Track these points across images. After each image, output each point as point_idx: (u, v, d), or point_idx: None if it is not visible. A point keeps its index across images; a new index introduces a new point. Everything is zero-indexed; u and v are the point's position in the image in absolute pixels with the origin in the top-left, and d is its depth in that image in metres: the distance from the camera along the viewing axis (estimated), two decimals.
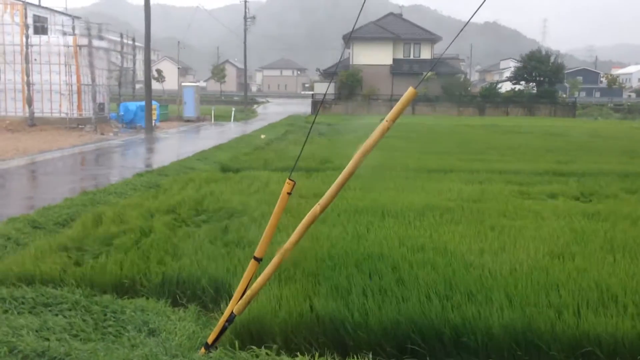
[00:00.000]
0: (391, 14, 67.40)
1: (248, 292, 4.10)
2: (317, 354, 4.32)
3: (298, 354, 4.32)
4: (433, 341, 4.48)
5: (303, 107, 61.54)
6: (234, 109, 44.84)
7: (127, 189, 11.55)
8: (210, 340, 4.33)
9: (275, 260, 4.01)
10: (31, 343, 4.26)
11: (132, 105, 31.81)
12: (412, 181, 11.91)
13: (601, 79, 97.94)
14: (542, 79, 59.25)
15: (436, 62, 54.18)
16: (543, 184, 11.81)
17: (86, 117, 29.81)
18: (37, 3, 32.96)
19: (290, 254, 4.05)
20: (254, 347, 4.40)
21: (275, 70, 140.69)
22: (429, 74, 54.65)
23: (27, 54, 28.86)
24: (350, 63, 60.05)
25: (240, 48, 60.41)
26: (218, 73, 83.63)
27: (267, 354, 4.26)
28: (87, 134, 27.01)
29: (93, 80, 29.74)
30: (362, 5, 3.72)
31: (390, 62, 60.48)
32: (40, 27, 31.42)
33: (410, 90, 3.50)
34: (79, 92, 29.90)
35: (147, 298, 5.49)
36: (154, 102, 31.06)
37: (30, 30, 29.51)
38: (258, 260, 4.07)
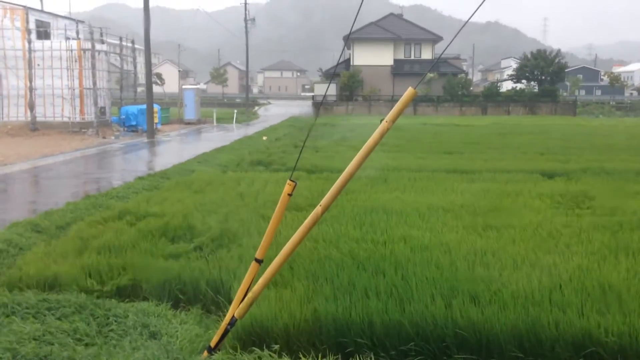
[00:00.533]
0: (391, 14, 67.39)
1: (249, 295, 4.10)
2: (319, 356, 4.32)
3: (300, 355, 4.32)
4: (436, 342, 4.47)
5: (304, 108, 61.56)
6: (235, 111, 44.85)
7: (129, 192, 11.57)
8: (212, 343, 4.32)
9: (276, 262, 4.01)
10: (34, 348, 4.26)
11: (134, 109, 31.83)
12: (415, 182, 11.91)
13: (602, 77, 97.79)
14: (543, 77, 59.19)
15: (436, 61, 54.16)
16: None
17: (88, 121, 29.86)
18: (39, 8, 33.02)
19: (291, 255, 4.05)
20: (256, 348, 4.40)
21: (276, 72, 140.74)
22: (429, 74, 54.69)
23: (29, 59, 28.91)
24: (351, 64, 60.05)
25: (241, 50, 60.47)
26: (218, 76, 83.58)
27: (270, 355, 4.26)
28: (89, 138, 27.04)
29: (95, 84, 29.79)
30: (360, 6, 3.71)
31: (391, 62, 60.47)
32: (43, 32, 31.48)
33: (409, 90, 3.50)
34: (81, 96, 29.95)
35: (149, 301, 5.49)
36: (155, 105, 31.07)
37: (33, 35, 29.56)
38: (259, 261, 4.07)
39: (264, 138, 24.83)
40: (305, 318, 4.67)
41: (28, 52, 28.79)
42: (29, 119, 29.26)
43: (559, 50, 61.56)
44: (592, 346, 4.31)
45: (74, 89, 29.67)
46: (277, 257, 4.01)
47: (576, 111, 55.92)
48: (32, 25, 29.72)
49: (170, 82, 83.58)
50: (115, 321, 4.95)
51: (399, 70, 59.81)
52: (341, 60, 62.79)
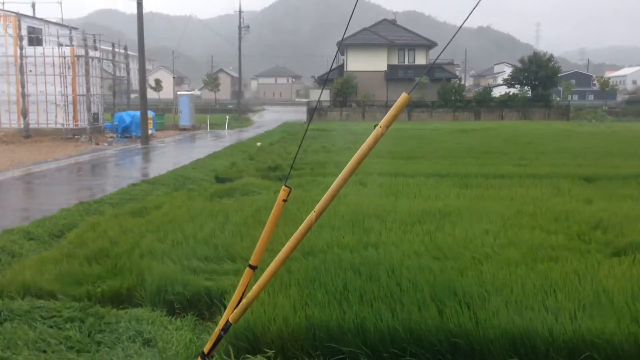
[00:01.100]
0: (385, 20, 67.65)
1: (244, 301, 4.08)
2: None
3: None
4: (430, 348, 4.47)
5: (298, 114, 61.62)
6: (228, 117, 44.85)
7: (123, 198, 11.54)
8: (206, 349, 4.30)
9: (270, 268, 3.99)
10: (26, 356, 4.24)
11: (127, 115, 31.78)
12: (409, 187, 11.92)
13: (594, 82, 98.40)
14: (536, 82, 59.48)
15: (429, 67, 54.30)
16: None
17: (81, 128, 29.78)
18: (31, 14, 32.95)
19: (286, 261, 4.04)
20: (249, 355, 4.38)
21: (270, 78, 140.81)
22: (423, 79, 54.83)
23: (21, 65, 28.84)
24: (345, 69, 60.18)
25: (235, 56, 60.56)
26: (211, 82, 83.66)
27: None
28: (83, 145, 26.97)
29: (88, 90, 29.74)
30: (352, 11, 3.72)
31: (385, 68, 60.63)
32: (35, 39, 31.42)
33: (403, 96, 3.50)
34: (74, 103, 29.89)
35: (143, 307, 5.47)
36: (150, 112, 31.04)
37: (25, 42, 29.50)
38: (253, 268, 4.06)
39: (258, 144, 24.83)
40: (298, 323, 4.66)
41: (20, 59, 28.73)
42: (22, 125, 29.17)
43: (551, 55, 61.85)
44: (586, 350, 4.32)
45: (67, 96, 29.61)
46: (271, 264, 4.00)
47: (569, 116, 56.22)
48: (24, 32, 29.66)
49: (165, 88, 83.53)
50: (108, 328, 4.92)
51: (393, 75, 59.97)
52: (335, 66, 62.89)
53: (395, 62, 61.45)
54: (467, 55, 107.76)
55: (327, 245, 6.88)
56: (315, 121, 49.58)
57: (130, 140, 29.78)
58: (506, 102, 57.43)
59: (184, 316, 5.40)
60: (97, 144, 27.51)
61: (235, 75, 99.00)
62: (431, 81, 56.87)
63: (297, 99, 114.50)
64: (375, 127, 3.66)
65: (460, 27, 3.54)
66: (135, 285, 5.90)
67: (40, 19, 33.10)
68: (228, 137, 34.12)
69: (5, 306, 5.26)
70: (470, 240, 7.11)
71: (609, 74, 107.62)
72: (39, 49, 29.96)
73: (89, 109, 29.82)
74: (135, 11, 28.01)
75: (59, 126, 29.56)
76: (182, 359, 4.37)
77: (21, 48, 28.78)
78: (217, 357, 4.35)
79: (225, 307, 4.36)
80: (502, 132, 30.84)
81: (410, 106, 52.63)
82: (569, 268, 5.86)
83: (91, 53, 30.76)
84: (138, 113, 29.73)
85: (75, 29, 35.66)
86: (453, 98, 56.37)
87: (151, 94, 49.05)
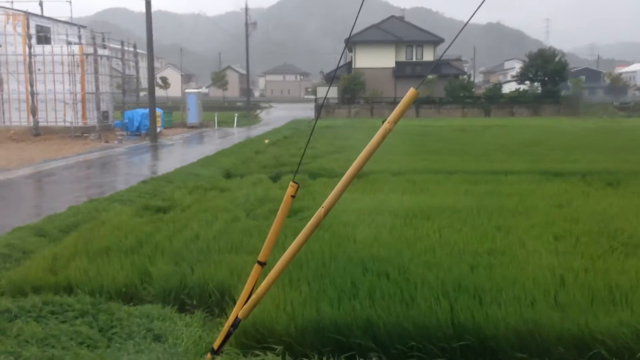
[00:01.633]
0: (393, 17, 67.45)
1: (253, 297, 4.09)
2: (323, 358, 4.30)
3: (303, 358, 4.30)
4: (440, 344, 4.45)
5: (306, 111, 61.58)
6: (236, 114, 44.89)
7: (132, 195, 11.58)
8: (215, 345, 4.31)
9: (279, 264, 3.99)
10: (36, 352, 4.26)
11: (136, 113, 31.91)
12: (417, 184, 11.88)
13: (604, 77, 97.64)
14: (546, 78, 59.13)
15: (436, 63, 54.13)
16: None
17: (90, 126, 29.93)
18: (39, 13, 33.13)
19: (295, 257, 4.04)
20: (258, 351, 4.38)
21: (278, 76, 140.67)
22: (430, 75, 54.67)
23: (30, 64, 29.01)
24: (353, 66, 60.08)
25: (243, 53, 60.61)
26: (219, 80, 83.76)
27: (273, 357, 4.24)
28: (92, 143, 27.10)
29: (97, 88, 29.87)
30: (360, 8, 3.70)
31: (392, 64, 60.49)
32: (44, 37, 31.59)
33: (411, 91, 3.48)
34: (83, 101, 30.04)
35: (154, 304, 5.48)
36: (158, 110, 31.14)
37: (33, 40, 29.66)
38: (262, 264, 4.06)
39: (266, 141, 24.84)
40: (308, 320, 4.65)
41: (28, 57, 28.89)
42: (32, 123, 29.35)
43: (560, 51, 61.42)
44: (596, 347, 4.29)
45: (76, 94, 29.76)
46: (280, 260, 4.00)
47: (579, 112, 55.83)
48: (32, 31, 29.83)
49: (173, 86, 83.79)
50: (119, 324, 4.94)
51: (401, 72, 59.81)
52: (343, 63, 62.83)
53: (403, 58, 61.29)
54: (476, 52, 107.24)
55: (337, 243, 6.87)
56: (323, 118, 49.54)
57: (139, 138, 29.88)
58: (516, 98, 57.09)
59: (194, 312, 5.41)
60: (107, 141, 27.63)
61: (243, 72, 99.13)
62: (439, 77, 56.65)
63: (305, 96, 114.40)
64: (383, 123, 3.64)
65: (467, 23, 3.51)
66: (144, 282, 5.92)
67: (49, 18, 33.27)
68: (237, 134, 34.16)
69: (16, 303, 5.29)
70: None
71: (619, 70, 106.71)
72: (47, 47, 30.12)
73: (98, 107, 29.95)
74: (143, 10, 28.08)
75: (68, 124, 29.72)
76: (192, 355, 4.38)
77: (30, 47, 28.94)
78: (227, 353, 4.35)
79: (234, 304, 4.37)
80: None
81: (418, 102, 52.45)
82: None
83: (100, 51, 30.89)
84: (147, 111, 29.83)
85: (84, 27, 35.85)
86: (462, 94, 56.12)
87: (159, 92, 49.25)
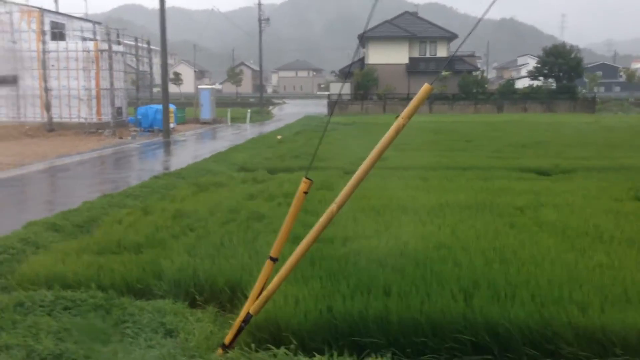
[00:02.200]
0: (406, 12, 67.07)
1: (264, 293, 4.08)
2: (335, 354, 4.28)
3: (315, 354, 4.28)
4: (452, 340, 4.42)
5: (319, 107, 61.51)
6: (249, 110, 44.95)
7: (145, 191, 11.62)
8: (227, 340, 4.31)
9: (291, 260, 3.98)
10: (49, 346, 4.28)
11: (150, 109, 32.05)
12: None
13: (621, 73, 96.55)
14: (561, 74, 58.53)
15: (449, 59, 53.79)
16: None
17: (105, 122, 30.11)
18: (54, 10, 33.37)
19: (307, 253, 4.02)
20: (271, 346, 4.37)
21: (291, 72, 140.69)
22: (445, 72, 54.34)
23: (44, 60, 29.22)
24: (366, 62, 59.87)
25: (256, 50, 60.62)
26: (233, 76, 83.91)
27: (285, 354, 4.23)
28: (106, 139, 27.26)
29: (112, 84, 30.04)
30: (374, 4, 3.67)
31: (406, 61, 60.20)
32: (58, 34, 31.81)
33: (425, 87, 3.45)
34: (97, 97, 30.22)
35: (166, 299, 5.49)
36: (171, 105, 31.26)
37: (48, 37, 29.88)
38: (274, 260, 4.05)
39: (279, 137, 24.84)
40: (321, 316, 4.63)
41: (42, 53, 29.11)
42: (46, 119, 29.58)
43: (576, 47, 60.80)
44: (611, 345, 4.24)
45: (90, 90, 29.94)
46: (292, 255, 3.99)
47: (595, 108, 55.20)
48: (47, 27, 30.05)
49: (186, 82, 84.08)
50: (132, 319, 4.95)
51: (414, 68, 59.49)
52: (356, 59, 62.60)
53: (416, 54, 60.98)
54: (489, 48, 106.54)
55: (349, 237, 6.85)
56: (336, 114, 49.43)
57: (153, 134, 30.01)
58: (529, 94, 56.58)
59: (205, 308, 5.41)
60: (121, 137, 27.78)
61: (256, 68, 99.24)
62: (452, 74, 56.31)
63: (318, 92, 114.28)
64: (396, 118, 3.61)
65: (481, 19, 3.47)
66: (157, 277, 5.93)
67: (64, 14, 33.49)
68: (250, 130, 34.21)
69: (29, 297, 5.32)
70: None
71: (635, 65, 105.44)
72: (62, 43, 30.32)
73: (112, 103, 30.11)
74: (157, 6, 28.16)
75: (82, 120, 29.92)
76: (204, 350, 4.37)
77: (44, 43, 29.14)
78: (238, 349, 4.35)
79: (246, 299, 4.36)
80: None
81: (431, 99, 52.15)
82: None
83: (115, 47, 31.04)
84: (160, 107, 29.95)
85: (99, 23, 36.03)
86: (475, 90, 55.74)
87: (172, 88, 49.45)
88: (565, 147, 18.76)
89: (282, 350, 4.28)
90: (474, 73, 59.54)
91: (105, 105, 30.37)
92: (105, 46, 30.21)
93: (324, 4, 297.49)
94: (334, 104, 53.25)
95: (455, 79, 55.96)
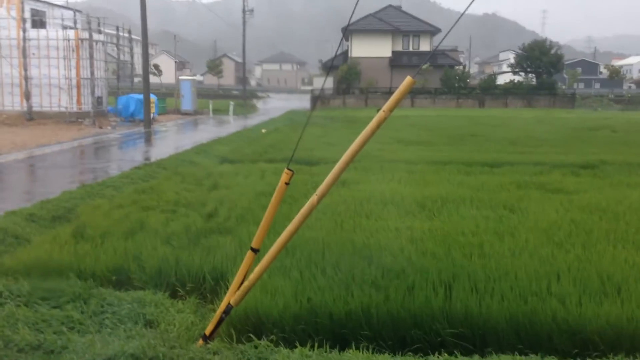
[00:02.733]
0: (390, 6, 67.08)
1: (245, 284, 4.07)
2: (315, 345, 4.29)
3: (297, 344, 4.30)
4: (434, 333, 4.45)
5: (303, 102, 61.42)
6: (232, 103, 44.68)
7: (125, 182, 11.52)
8: (207, 331, 4.30)
9: (272, 251, 3.98)
10: (27, 336, 4.23)
11: (131, 99, 31.71)
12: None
13: (601, 70, 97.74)
14: (541, 69, 59.10)
15: (432, 53, 54.01)
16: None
17: (85, 111, 29.72)
18: None
19: (287, 244, 4.02)
20: (253, 336, 4.38)
21: (275, 64, 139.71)
22: (427, 65, 54.55)
23: (24, 48, 28.74)
24: (349, 55, 59.84)
25: (239, 42, 60.21)
26: (214, 67, 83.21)
27: (266, 345, 4.24)
28: (86, 128, 26.93)
29: (92, 73, 29.64)
30: None
31: (389, 54, 60.28)
32: (39, 21, 31.27)
33: (407, 80, 3.45)
34: (78, 86, 29.80)
35: (145, 289, 5.46)
36: (152, 96, 30.95)
37: (28, 24, 29.36)
38: (255, 251, 4.04)
39: (263, 131, 24.77)
40: (301, 307, 4.64)
41: (22, 41, 28.61)
42: (25, 108, 29.13)
43: (556, 43, 61.40)
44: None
45: (70, 79, 29.52)
46: (273, 247, 3.98)
47: (574, 104, 55.86)
48: (27, 14, 29.52)
49: (167, 73, 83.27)
50: (111, 309, 4.92)
51: (397, 62, 59.62)
52: (339, 52, 62.53)
53: (399, 48, 61.09)
54: (472, 42, 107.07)
55: (329, 230, 6.87)
56: (318, 109, 49.37)
57: (133, 124, 29.71)
58: (510, 89, 57.10)
59: (186, 299, 5.39)
60: (101, 127, 27.46)
61: (239, 60, 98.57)
62: (434, 67, 56.54)
63: (302, 87, 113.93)
64: (378, 112, 3.62)
65: (463, 13, 3.48)
66: (135, 267, 5.89)
67: (44, 2, 32.90)
68: (233, 122, 34.03)
69: (6, 287, 5.26)
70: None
71: (615, 63, 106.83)
72: (42, 31, 29.81)
73: (92, 93, 29.72)
74: None
75: (62, 109, 29.50)
76: (184, 341, 4.36)
77: (24, 30, 28.64)
78: (219, 340, 4.34)
79: (226, 290, 4.35)
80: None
81: (413, 92, 52.36)
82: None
83: (95, 36, 30.60)
84: (141, 96, 29.64)
85: (80, 11, 35.49)
86: (457, 85, 56.09)
87: (153, 79, 48.87)
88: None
89: (264, 341, 4.28)
90: (457, 67, 59.86)
91: (86, 94, 29.95)
92: (86, 35, 29.77)
93: None
94: (317, 99, 53.21)
95: (438, 73, 56.22)
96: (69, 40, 29.34)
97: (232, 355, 4.09)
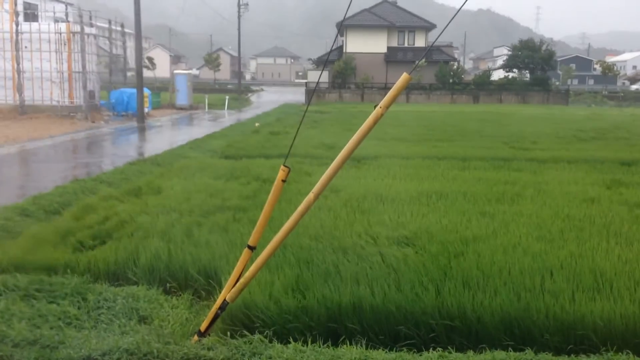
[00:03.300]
0: (385, 1, 66.97)
1: (241, 280, 4.08)
2: (309, 341, 4.31)
3: (291, 340, 4.31)
4: (426, 329, 4.47)
5: (297, 95, 61.29)
6: (227, 97, 44.54)
7: (119, 177, 11.49)
8: (203, 327, 4.31)
9: (268, 248, 3.99)
10: (22, 331, 4.23)
11: (124, 93, 31.55)
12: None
13: (595, 66, 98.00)
14: (534, 66, 59.24)
15: (428, 49, 54.01)
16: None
17: (77, 105, 29.55)
18: None
19: (283, 242, 4.03)
20: (247, 332, 4.39)
21: (269, 58, 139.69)
22: (422, 61, 54.55)
23: (17, 41, 28.54)
24: (344, 51, 59.73)
25: (234, 36, 60.03)
26: (212, 61, 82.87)
27: (260, 340, 4.25)
28: (79, 122, 26.80)
29: (84, 67, 29.47)
30: None
31: (384, 50, 60.20)
32: (31, 15, 31.06)
33: (404, 76, 3.46)
34: (70, 80, 29.61)
35: (140, 285, 5.46)
36: (146, 90, 30.80)
37: (20, 18, 29.16)
38: (251, 248, 4.05)
39: (256, 124, 24.74)
40: (295, 304, 4.66)
41: (15, 35, 28.41)
42: (17, 102, 28.95)
43: (549, 39, 61.52)
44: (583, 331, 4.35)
45: (62, 72, 29.35)
46: (269, 244, 3.99)
47: (568, 100, 56.02)
48: (19, 8, 29.30)
49: (162, 67, 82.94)
50: (106, 305, 4.91)
51: (392, 57, 59.56)
52: (334, 47, 62.38)
53: (394, 44, 61.01)
54: (466, 38, 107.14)
55: (322, 226, 6.88)
56: (314, 103, 49.33)
57: (127, 119, 29.59)
58: (504, 85, 57.22)
59: (181, 295, 5.40)
60: (93, 121, 27.33)
61: (235, 54, 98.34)
62: (429, 63, 56.54)
63: (296, 80, 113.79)
64: (375, 108, 3.62)
65: (460, 9, 3.49)
66: (130, 263, 5.88)
67: None
68: (227, 117, 33.95)
69: (3, 282, 5.24)
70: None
71: (609, 59, 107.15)
72: (34, 25, 29.60)
73: (85, 87, 29.56)
74: None
75: (54, 103, 29.32)
76: (179, 337, 4.37)
77: (17, 24, 28.44)
78: (214, 336, 4.35)
79: (222, 287, 4.36)
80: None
81: (409, 88, 52.37)
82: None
83: (87, 30, 30.40)
84: (134, 91, 29.50)
85: (72, 5, 35.28)
86: (451, 81, 56.15)
87: (146, 73, 48.71)
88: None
89: (257, 337, 4.29)
90: (451, 63, 59.88)
91: (78, 88, 29.77)
92: (77, 28, 29.58)
93: None
94: (312, 93, 53.12)
95: (433, 68, 56.23)
96: (60, 33, 29.16)
97: (226, 351, 4.10)
